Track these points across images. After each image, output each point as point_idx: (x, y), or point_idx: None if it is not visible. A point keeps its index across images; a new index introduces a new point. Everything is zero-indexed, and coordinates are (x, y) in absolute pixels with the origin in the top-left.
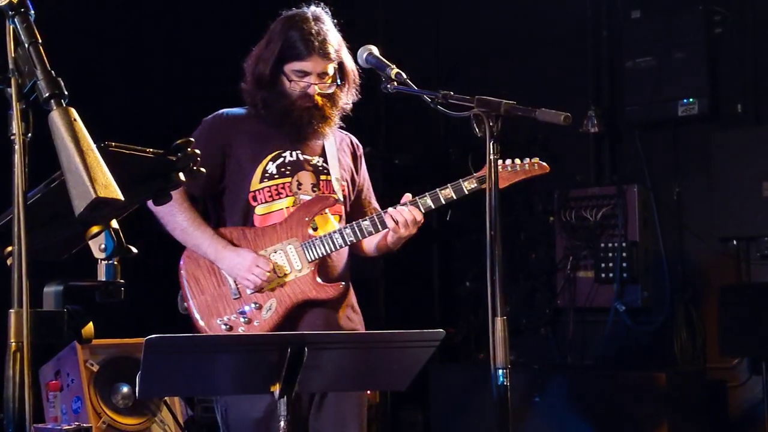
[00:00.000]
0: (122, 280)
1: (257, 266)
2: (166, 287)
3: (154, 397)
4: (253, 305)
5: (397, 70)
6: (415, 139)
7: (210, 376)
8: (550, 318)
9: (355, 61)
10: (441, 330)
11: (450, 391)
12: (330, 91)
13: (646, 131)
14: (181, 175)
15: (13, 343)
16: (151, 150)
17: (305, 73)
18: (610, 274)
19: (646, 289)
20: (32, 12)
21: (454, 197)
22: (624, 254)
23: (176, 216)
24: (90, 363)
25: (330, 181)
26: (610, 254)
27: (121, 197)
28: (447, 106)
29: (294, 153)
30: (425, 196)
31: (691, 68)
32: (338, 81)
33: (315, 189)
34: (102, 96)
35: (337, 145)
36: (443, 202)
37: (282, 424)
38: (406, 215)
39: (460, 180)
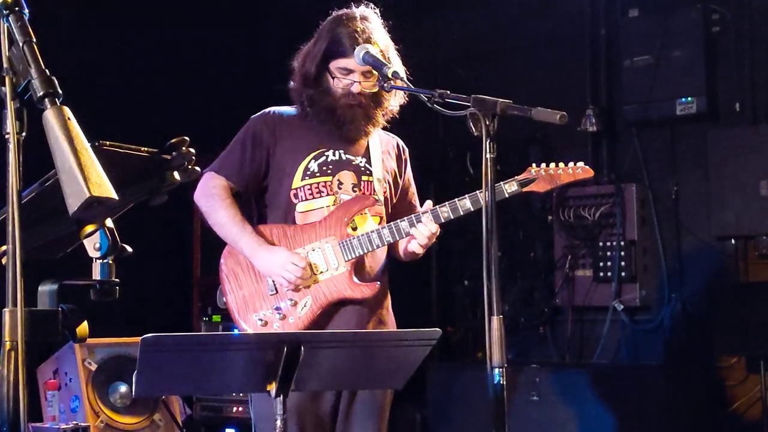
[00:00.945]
0: (117, 279)
1: (292, 263)
2: (163, 286)
3: (151, 396)
4: (288, 302)
5: (394, 68)
6: (413, 137)
7: (206, 374)
8: (549, 317)
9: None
10: (437, 329)
11: (448, 390)
12: (374, 90)
13: (643, 130)
14: (176, 174)
15: (8, 342)
16: (145, 149)
17: (349, 71)
18: (609, 273)
19: (644, 288)
20: (26, 11)
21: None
22: (622, 253)
23: (218, 212)
24: (88, 362)
25: (371, 181)
26: (609, 253)
27: (115, 196)
28: (443, 105)
29: (337, 152)
30: (465, 198)
31: (688, 67)
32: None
33: (356, 189)
34: (96, 95)
35: (382, 147)
36: (482, 204)
37: (278, 423)
38: (422, 230)
39: (501, 183)
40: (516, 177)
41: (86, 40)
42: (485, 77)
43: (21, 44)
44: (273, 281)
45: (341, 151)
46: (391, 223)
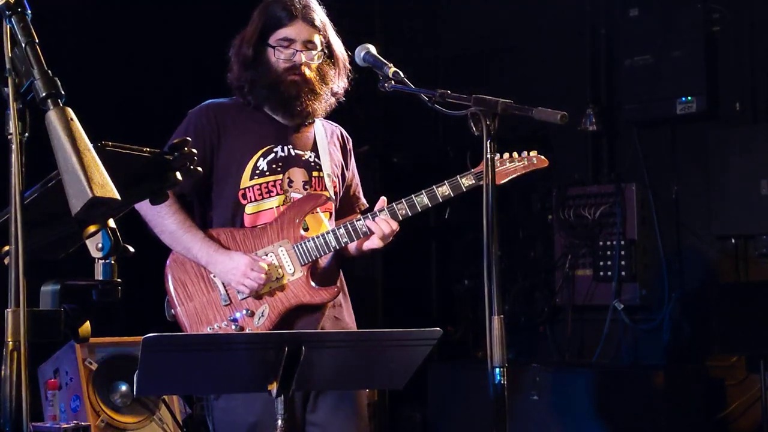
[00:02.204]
0: (119, 279)
1: (252, 270)
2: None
3: (152, 395)
4: (244, 312)
5: (395, 68)
6: (413, 137)
7: (207, 374)
8: (549, 316)
9: (352, 61)
10: (438, 329)
11: (448, 389)
12: (317, 62)
13: (644, 129)
14: (178, 175)
15: (10, 343)
16: (147, 149)
17: (290, 41)
18: (609, 272)
19: (645, 287)
20: (29, 12)
21: (452, 194)
22: (622, 252)
23: (164, 218)
24: (88, 361)
25: (322, 177)
26: (609, 252)
27: (118, 197)
28: (444, 105)
29: (285, 148)
30: (421, 193)
31: (689, 66)
32: (326, 55)
33: (307, 186)
34: (99, 95)
35: (327, 138)
36: (440, 199)
37: (279, 422)
38: (383, 227)
39: (458, 177)
40: (472, 170)
41: (89, 40)
42: (486, 76)
43: (24, 45)
44: (226, 290)
45: (289, 147)
46: (347, 222)
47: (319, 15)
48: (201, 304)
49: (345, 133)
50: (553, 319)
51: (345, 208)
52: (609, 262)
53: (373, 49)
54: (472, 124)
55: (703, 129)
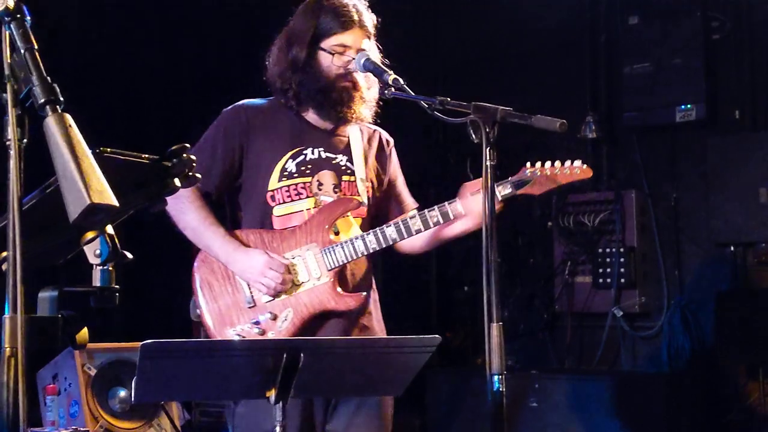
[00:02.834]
0: (117, 286)
1: (270, 269)
2: (163, 291)
3: (151, 401)
4: (267, 315)
5: (395, 75)
6: (413, 144)
7: (206, 380)
8: (548, 323)
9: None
10: (437, 336)
11: (447, 396)
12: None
13: (643, 137)
14: (177, 181)
15: (8, 349)
16: (146, 156)
17: (345, 47)
18: (608, 280)
19: (644, 295)
20: (28, 18)
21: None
22: (622, 259)
23: (186, 214)
24: (87, 367)
25: (354, 182)
26: (608, 259)
27: (116, 203)
28: (444, 112)
29: (316, 150)
30: (444, 205)
31: (688, 74)
32: None
33: (336, 190)
34: (97, 102)
35: (364, 142)
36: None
37: (278, 429)
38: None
39: (495, 183)
40: (510, 178)
41: (87, 47)
42: (485, 84)
43: (23, 51)
44: (251, 292)
45: (321, 149)
46: (377, 229)
47: (371, 21)
48: (226, 305)
49: (385, 134)
50: (553, 326)
51: (388, 211)
52: (608, 269)
53: (373, 55)
54: (471, 131)
55: (702, 137)
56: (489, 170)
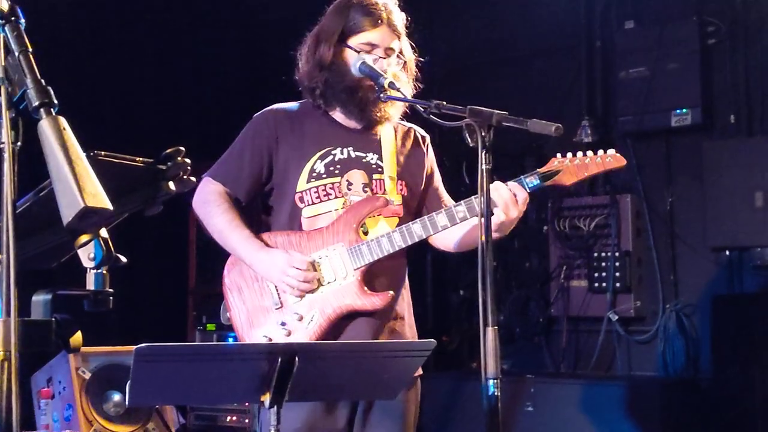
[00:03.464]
0: (111, 290)
1: (292, 266)
2: (158, 294)
3: (145, 405)
4: (294, 316)
5: (391, 79)
6: None
7: (200, 384)
8: (544, 327)
9: (418, 65)
10: (432, 340)
11: (443, 400)
12: (397, 69)
13: (639, 141)
14: (171, 185)
15: (1, 352)
16: (140, 159)
17: (372, 46)
18: (603, 284)
19: (639, 299)
20: (23, 21)
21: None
22: (617, 264)
23: (214, 218)
24: (81, 371)
25: (383, 180)
26: (604, 264)
27: (110, 206)
28: (439, 116)
29: (345, 150)
30: (470, 199)
31: (684, 79)
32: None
33: (366, 189)
34: (91, 104)
35: (397, 140)
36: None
37: None
38: (505, 195)
39: (522, 177)
40: (537, 170)
41: (81, 50)
42: (481, 87)
43: (17, 54)
44: (277, 293)
45: (350, 149)
46: (403, 226)
47: (401, 20)
48: (254, 307)
49: (420, 130)
50: (548, 330)
51: (427, 208)
52: (604, 274)
53: (369, 59)
54: (467, 135)
55: (698, 141)
56: (485, 174)
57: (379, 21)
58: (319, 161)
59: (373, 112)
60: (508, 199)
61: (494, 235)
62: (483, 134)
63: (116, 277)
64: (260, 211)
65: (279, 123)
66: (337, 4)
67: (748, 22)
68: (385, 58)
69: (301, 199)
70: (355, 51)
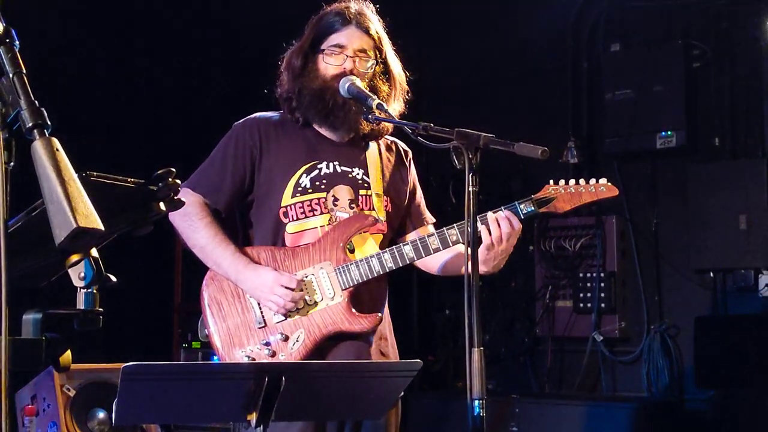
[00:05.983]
0: (101, 309)
1: (280, 285)
2: (143, 312)
3: (131, 424)
4: (279, 336)
5: (379, 100)
6: None
7: (187, 403)
8: (529, 347)
9: (409, 82)
10: (418, 360)
11: (428, 419)
12: (368, 71)
13: (624, 163)
14: (162, 205)
15: None
16: (132, 180)
17: (341, 47)
18: (589, 304)
19: (624, 320)
20: (17, 42)
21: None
22: (602, 284)
23: (196, 232)
24: (66, 388)
25: (370, 196)
26: (589, 284)
27: (102, 227)
28: (427, 138)
29: (331, 164)
30: (463, 224)
31: (669, 101)
32: (379, 66)
33: (353, 205)
34: (84, 126)
35: (381, 154)
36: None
37: None
38: (502, 226)
39: (516, 203)
40: (532, 196)
41: (74, 71)
42: (468, 109)
43: (11, 75)
44: (261, 311)
45: (336, 163)
46: (394, 247)
47: (375, 25)
48: (235, 325)
49: (403, 145)
50: (533, 350)
51: (405, 224)
52: (589, 294)
53: (358, 81)
54: (454, 157)
55: (682, 163)
56: (471, 196)
57: (347, 20)
58: (304, 175)
59: (340, 118)
60: (502, 235)
61: (482, 268)
62: (470, 156)
63: (101, 294)
64: (239, 224)
65: (262, 132)
66: (313, 17)
67: (733, 45)
68: (353, 58)
69: (286, 214)
70: (322, 53)
